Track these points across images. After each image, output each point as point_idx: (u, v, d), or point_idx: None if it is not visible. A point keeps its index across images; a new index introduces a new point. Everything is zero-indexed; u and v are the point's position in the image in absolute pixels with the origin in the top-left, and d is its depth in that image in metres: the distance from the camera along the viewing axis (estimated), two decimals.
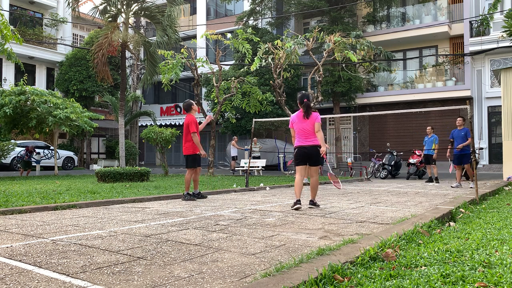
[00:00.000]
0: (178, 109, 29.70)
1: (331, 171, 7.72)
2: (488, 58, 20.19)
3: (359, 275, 2.56)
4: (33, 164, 18.30)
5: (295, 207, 6.06)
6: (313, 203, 6.28)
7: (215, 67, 17.39)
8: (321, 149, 6.17)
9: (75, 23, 29.25)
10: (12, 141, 20.22)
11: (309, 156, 6.17)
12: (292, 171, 17.82)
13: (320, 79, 15.23)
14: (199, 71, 18.06)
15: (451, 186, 10.67)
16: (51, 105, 16.49)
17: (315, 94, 16.11)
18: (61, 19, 27.80)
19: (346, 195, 8.40)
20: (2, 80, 24.90)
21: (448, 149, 11.65)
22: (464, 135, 10.55)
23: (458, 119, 10.86)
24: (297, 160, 6.26)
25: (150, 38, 21.81)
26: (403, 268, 2.73)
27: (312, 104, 16.53)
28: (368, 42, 14.94)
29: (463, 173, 13.07)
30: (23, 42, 13.72)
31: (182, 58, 15.78)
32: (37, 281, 2.58)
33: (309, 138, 6.16)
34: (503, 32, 13.10)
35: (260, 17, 23.98)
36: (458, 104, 19.11)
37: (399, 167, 16.04)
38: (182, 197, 7.69)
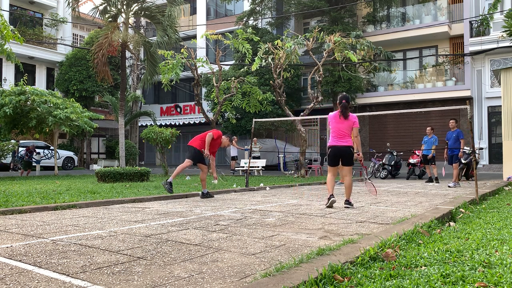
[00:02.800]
0: (178, 109, 29.71)
1: (368, 179, 7.97)
2: (488, 58, 20.18)
3: (359, 275, 2.56)
4: (33, 164, 18.28)
5: (328, 203, 6.25)
6: (348, 202, 6.33)
7: (215, 67, 17.39)
8: (359, 156, 6.48)
9: (75, 23, 29.23)
10: (13, 141, 20.21)
11: (342, 156, 6.30)
12: (292, 171, 17.80)
13: (320, 79, 15.23)
14: (199, 71, 18.05)
15: (448, 186, 10.69)
16: (51, 105, 16.49)
17: (315, 94, 16.11)
18: (61, 19, 27.78)
19: None
20: (2, 80, 24.89)
21: (445, 150, 11.72)
22: (455, 136, 10.93)
23: (451, 121, 11.25)
24: (329, 160, 6.40)
25: (150, 38, 21.81)
26: (403, 268, 2.73)
27: (312, 105, 16.39)
28: (368, 42, 14.93)
29: (463, 173, 13.06)
30: (23, 42, 13.71)
31: (182, 58, 15.78)
32: (37, 281, 2.58)
33: (343, 139, 6.28)
34: (503, 32, 13.09)
35: (260, 17, 23.98)
36: (458, 104, 19.11)
37: (399, 167, 16.05)
38: (163, 183, 8.04)
